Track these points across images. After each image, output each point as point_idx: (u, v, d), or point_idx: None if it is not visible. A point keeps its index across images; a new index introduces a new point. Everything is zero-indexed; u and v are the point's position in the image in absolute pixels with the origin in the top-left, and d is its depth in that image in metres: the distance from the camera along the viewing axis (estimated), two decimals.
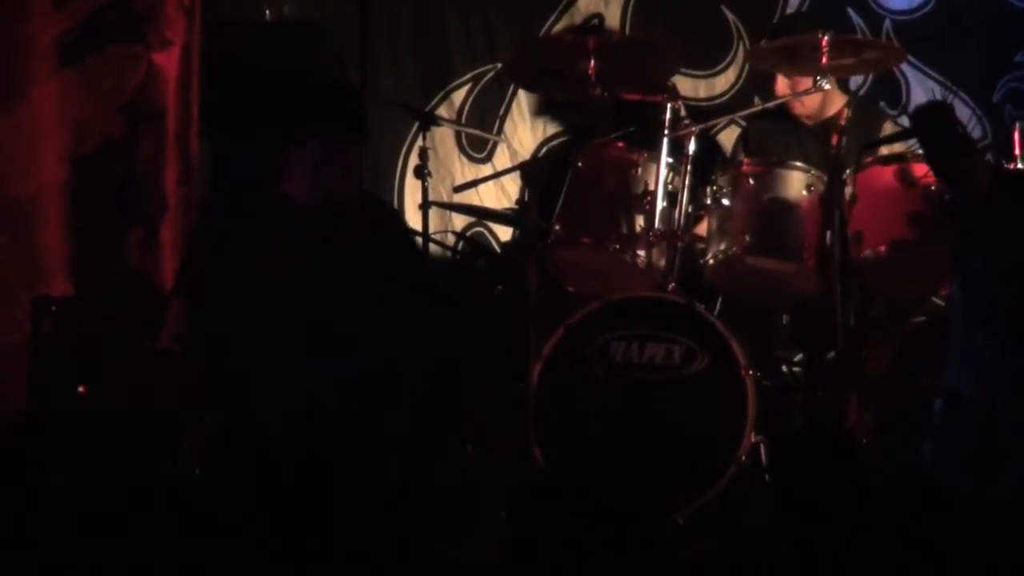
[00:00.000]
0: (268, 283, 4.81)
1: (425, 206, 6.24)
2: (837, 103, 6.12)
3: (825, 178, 5.65)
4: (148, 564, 4.35)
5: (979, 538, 4.18)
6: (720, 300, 5.95)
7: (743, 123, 6.53)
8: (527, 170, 5.96)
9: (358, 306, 4.88)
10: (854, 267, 5.59)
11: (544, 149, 6.93)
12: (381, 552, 4.59)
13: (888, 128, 6.12)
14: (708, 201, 5.74)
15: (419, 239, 5.95)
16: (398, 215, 6.34)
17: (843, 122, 5.75)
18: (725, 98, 6.82)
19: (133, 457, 4.79)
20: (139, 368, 5.36)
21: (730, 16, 6.83)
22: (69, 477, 4.94)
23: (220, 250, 4.86)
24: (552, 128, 6.96)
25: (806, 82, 5.97)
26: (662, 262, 5.73)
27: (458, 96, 6.95)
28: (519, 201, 6.69)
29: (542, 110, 6.96)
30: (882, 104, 6.72)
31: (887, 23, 6.76)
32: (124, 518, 4.50)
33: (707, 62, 6.86)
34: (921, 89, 6.75)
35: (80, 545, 4.51)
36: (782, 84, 6.13)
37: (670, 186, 5.75)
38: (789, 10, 6.79)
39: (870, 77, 6.68)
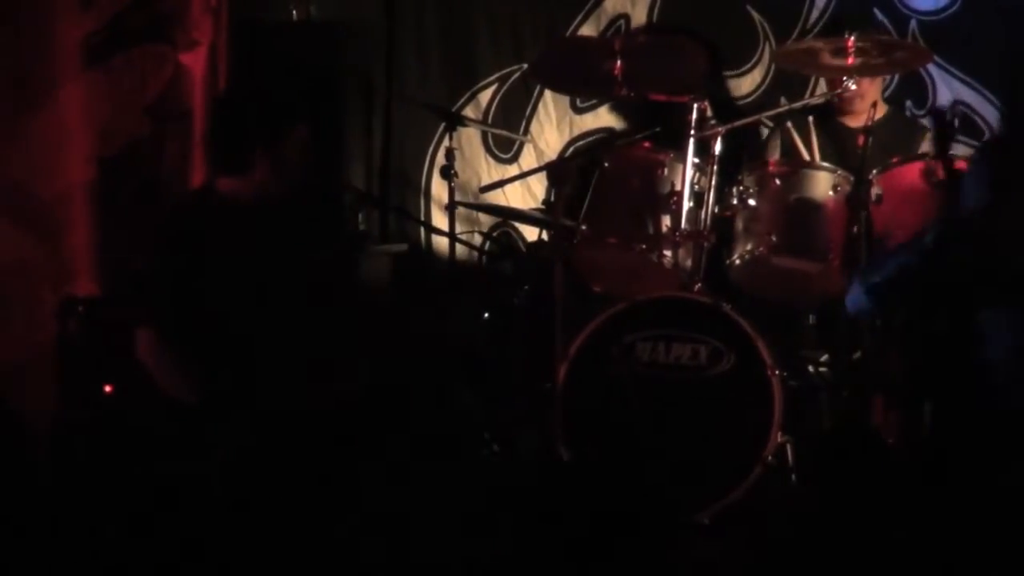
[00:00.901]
0: (249, 294, 4.63)
1: (451, 206, 6.27)
2: (880, 108, 6.12)
3: (851, 178, 5.66)
4: (173, 563, 4.36)
5: (1001, 535, 4.19)
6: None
7: (770, 123, 6.52)
8: (553, 170, 5.96)
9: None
10: None
11: (570, 149, 6.94)
12: (405, 551, 4.60)
13: (927, 142, 6.14)
14: (735, 201, 5.75)
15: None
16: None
17: (869, 123, 5.74)
18: (752, 98, 6.82)
19: (160, 456, 4.77)
20: None
21: (756, 16, 6.82)
22: (97, 476, 4.95)
23: (190, 272, 4.65)
24: (578, 128, 6.97)
25: (863, 83, 6.01)
26: (688, 262, 5.74)
27: (484, 96, 6.96)
28: (545, 201, 6.69)
29: (568, 110, 6.97)
30: (908, 103, 6.71)
31: (913, 23, 6.75)
32: (151, 517, 4.51)
33: (733, 62, 6.85)
34: (947, 88, 6.74)
35: (108, 544, 4.52)
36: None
37: (696, 186, 5.76)
38: (815, 11, 6.78)
39: (896, 77, 6.67)
